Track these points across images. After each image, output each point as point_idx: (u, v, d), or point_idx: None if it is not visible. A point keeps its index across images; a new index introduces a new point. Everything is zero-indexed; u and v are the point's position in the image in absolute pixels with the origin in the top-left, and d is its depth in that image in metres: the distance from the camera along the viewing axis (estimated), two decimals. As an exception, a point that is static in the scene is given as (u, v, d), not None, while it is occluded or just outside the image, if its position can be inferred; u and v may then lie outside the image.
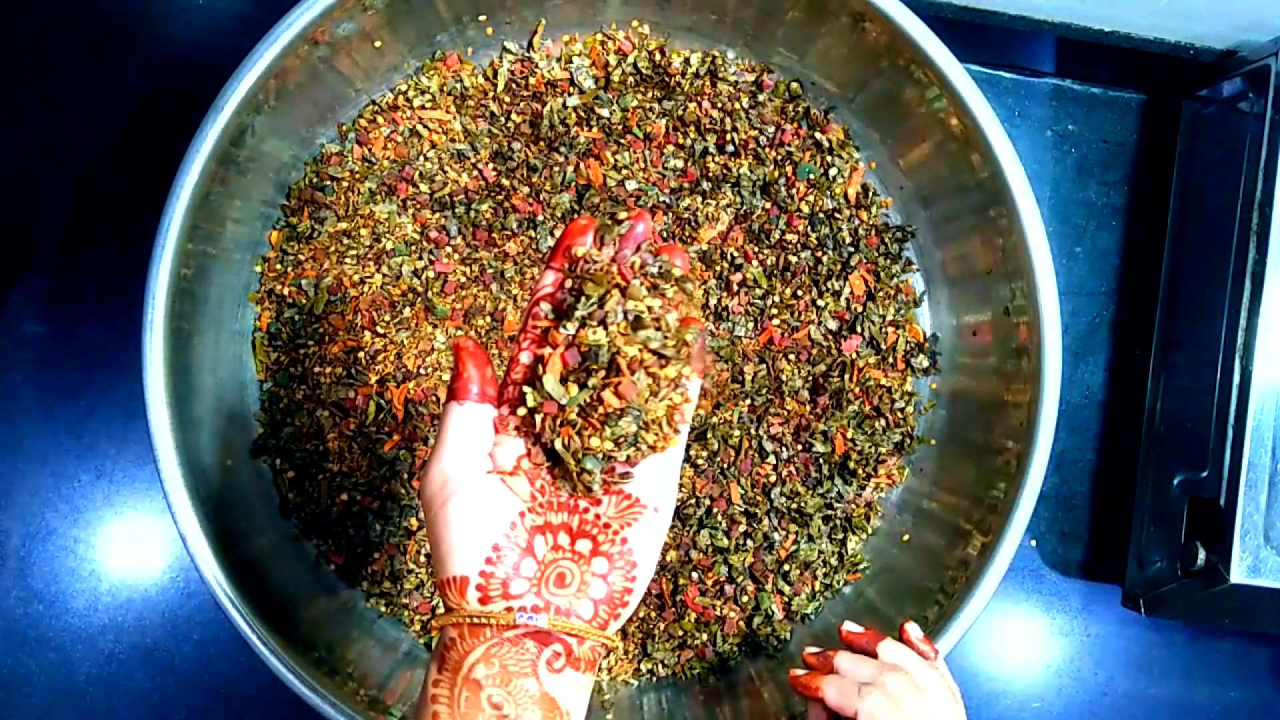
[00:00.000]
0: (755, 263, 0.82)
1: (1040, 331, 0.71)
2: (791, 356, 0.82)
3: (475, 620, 0.41)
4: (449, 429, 0.44)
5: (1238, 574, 0.72)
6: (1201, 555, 0.76)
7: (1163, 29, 0.82)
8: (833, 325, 0.82)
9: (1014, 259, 0.73)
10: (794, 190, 0.82)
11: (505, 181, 0.80)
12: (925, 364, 0.83)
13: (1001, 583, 0.70)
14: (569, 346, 0.43)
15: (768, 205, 0.82)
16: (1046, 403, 0.70)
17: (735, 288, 0.81)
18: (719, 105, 0.81)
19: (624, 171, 0.81)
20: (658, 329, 0.43)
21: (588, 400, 0.43)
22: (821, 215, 0.82)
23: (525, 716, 0.41)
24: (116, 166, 0.84)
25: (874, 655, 0.62)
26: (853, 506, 0.83)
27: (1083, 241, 0.90)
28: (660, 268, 0.45)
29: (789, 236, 0.82)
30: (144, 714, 0.83)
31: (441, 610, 0.43)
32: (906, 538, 0.82)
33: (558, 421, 0.43)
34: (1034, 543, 0.90)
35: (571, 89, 0.81)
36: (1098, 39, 0.83)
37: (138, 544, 0.84)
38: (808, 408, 0.82)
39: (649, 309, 0.43)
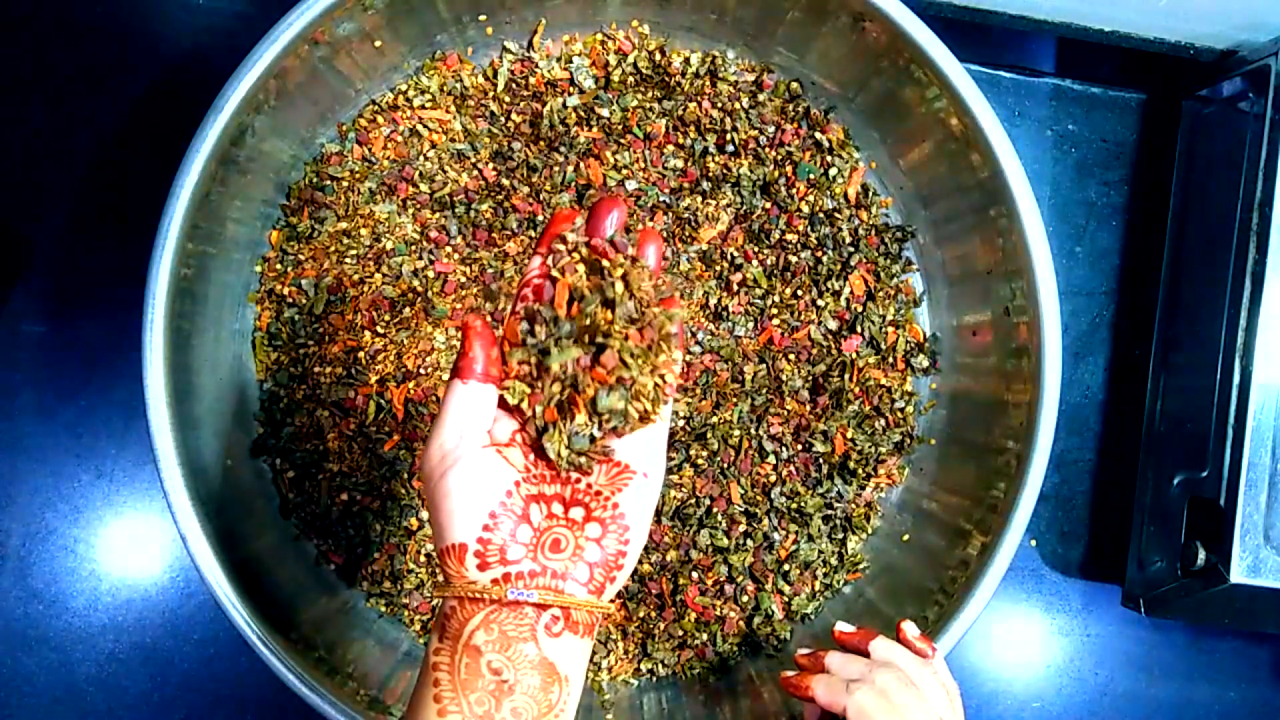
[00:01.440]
0: (755, 263, 0.81)
1: (1040, 331, 0.71)
2: (791, 356, 0.82)
3: (472, 596, 0.42)
4: (450, 405, 0.45)
5: (1238, 574, 0.72)
6: (1201, 555, 0.76)
7: (1163, 29, 0.82)
8: (833, 325, 0.82)
9: (1014, 259, 0.73)
10: (794, 190, 0.82)
11: (505, 181, 0.80)
12: (925, 364, 0.83)
13: (1001, 583, 0.70)
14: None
15: (768, 205, 0.82)
16: (1046, 402, 0.70)
17: (735, 288, 0.81)
18: (719, 105, 0.81)
19: (624, 171, 0.81)
20: (632, 298, 0.44)
21: (573, 381, 0.44)
22: (821, 215, 0.82)
23: (525, 681, 0.42)
24: (116, 166, 0.84)
25: (867, 654, 0.62)
26: (853, 506, 0.83)
27: (1083, 241, 0.91)
28: (632, 244, 0.46)
29: (789, 236, 0.82)
30: (144, 714, 0.83)
31: (441, 580, 0.44)
32: (906, 537, 0.82)
33: (539, 411, 0.45)
34: (1034, 543, 0.90)
35: (571, 89, 0.81)
36: (1098, 39, 0.83)
37: (138, 544, 0.84)
38: (808, 408, 0.82)
39: (621, 279, 0.44)
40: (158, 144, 0.83)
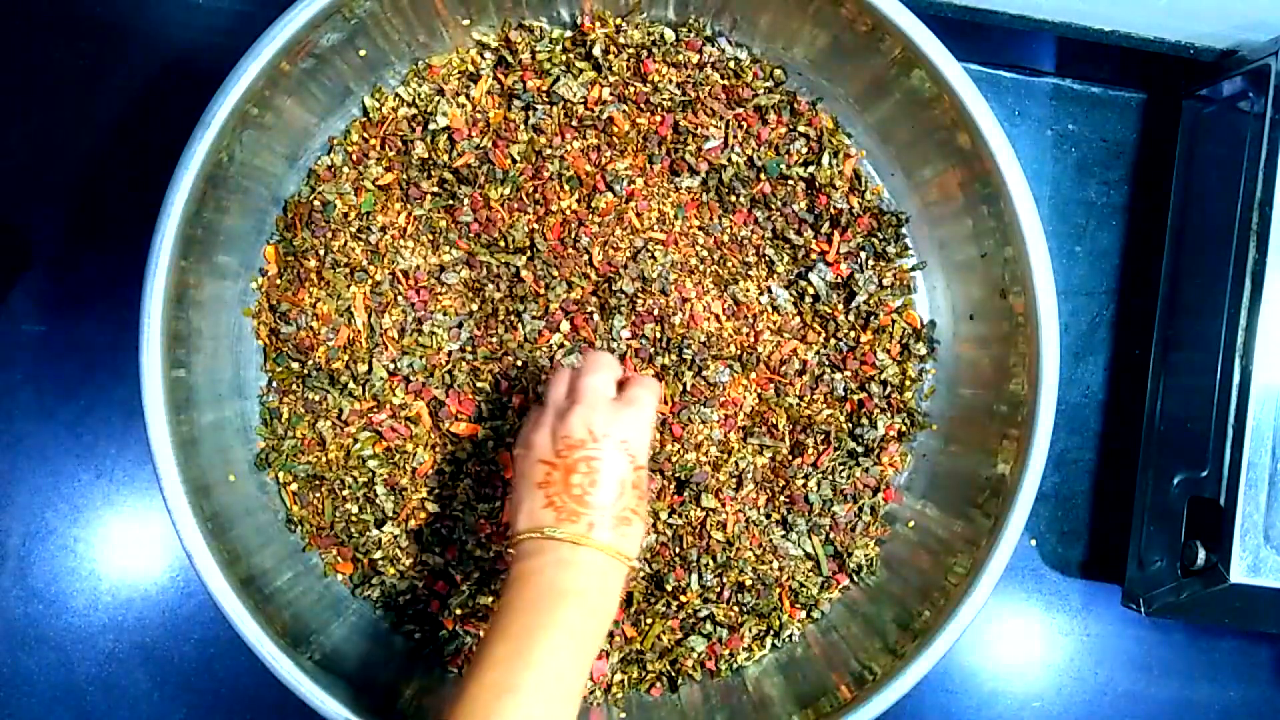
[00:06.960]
0: (751, 253, 0.81)
1: (1038, 324, 0.70)
2: (792, 346, 0.81)
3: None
4: None
5: (1238, 574, 0.73)
6: (1201, 555, 0.76)
7: (1163, 29, 0.82)
8: (829, 314, 0.82)
9: (1008, 244, 0.72)
10: (788, 179, 0.81)
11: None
12: (923, 350, 0.83)
13: (1001, 582, 0.70)
14: None
15: (759, 196, 0.81)
16: (1045, 395, 0.70)
17: (730, 281, 0.81)
18: (708, 95, 0.80)
19: (614, 169, 0.80)
20: None
21: None
22: (815, 205, 0.81)
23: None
24: (116, 166, 0.84)
25: None
26: (855, 494, 0.82)
27: (1083, 241, 0.91)
28: None
29: (780, 224, 0.81)
30: (144, 714, 0.83)
31: None
32: (911, 524, 0.82)
33: None
34: (1034, 542, 0.90)
35: (557, 87, 0.80)
36: (1098, 39, 0.83)
37: (138, 544, 0.84)
38: (806, 398, 0.81)
39: None
40: (158, 144, 0.83)
